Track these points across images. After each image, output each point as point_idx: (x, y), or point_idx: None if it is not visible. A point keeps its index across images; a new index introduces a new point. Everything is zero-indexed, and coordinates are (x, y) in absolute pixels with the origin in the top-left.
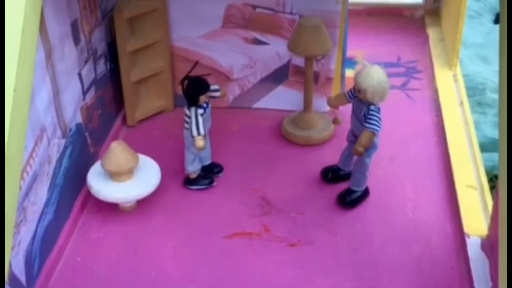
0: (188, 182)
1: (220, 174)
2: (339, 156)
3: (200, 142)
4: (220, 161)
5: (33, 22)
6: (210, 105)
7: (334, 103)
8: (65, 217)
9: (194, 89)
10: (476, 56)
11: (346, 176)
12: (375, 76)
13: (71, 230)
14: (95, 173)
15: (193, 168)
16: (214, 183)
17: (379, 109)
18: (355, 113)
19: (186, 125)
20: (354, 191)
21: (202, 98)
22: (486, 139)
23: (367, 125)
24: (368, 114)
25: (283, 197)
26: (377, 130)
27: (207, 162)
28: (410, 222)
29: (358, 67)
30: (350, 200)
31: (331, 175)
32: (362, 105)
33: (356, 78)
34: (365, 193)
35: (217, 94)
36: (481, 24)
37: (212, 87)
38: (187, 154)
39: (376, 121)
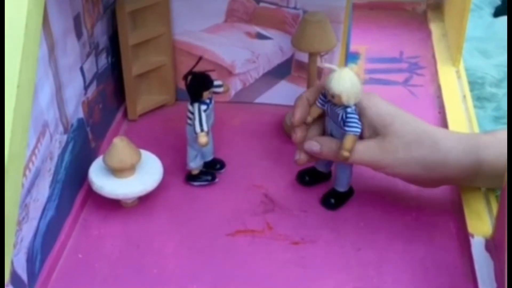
0: (190, 178)
1: (222, 170)
2: None
3: (203, 138)
4: (221, 156)
5: (36, 17)
6: (213, 101)
7: (312, 117)
8: (66, 213)
9: (198, 85)
10: (476, 50)
11: (324, 176)
12: (347, 78)
13: (72, 227)
14: (96, 169)
15: (195, 164)
16: (217, 179)
17: (355, 109)
18: (331, 117)
19: (189, 121)
20: (338, 192)
21: (206, 94)
22: None
23: (348, 129)
24: (347, 118)
25: (285, 194)
26: (359, 132)
27: (209, 158)
28: (413, 221)
29: (325, 71)
30: (335, 201)
31: (308, 178)
32: (338, 109)
33: (328, 84)
34: (350, 192)
35: (220, 89)
36: (481, 17)
37: (215, 82)
38: (190, 150)
39: (356, 123)
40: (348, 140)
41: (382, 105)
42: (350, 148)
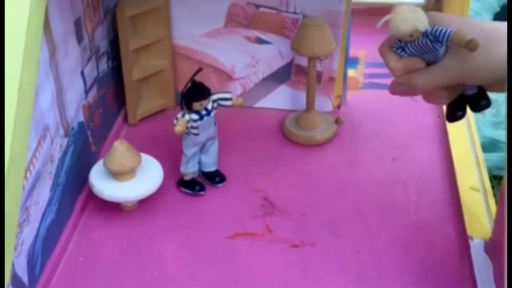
0: (180, 182)
1: (220, 185)
2: (341, 156)
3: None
4: (221, 160)
5: (38, 21)
6: (213, 114)
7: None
8: (67, 217)
9: (189, 95)
10: None
11: (472, 100)
12: (406, 11)
13: (73, 230)
14: (97, 172)
15: (185, 170)
16: (203, 193)
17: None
18: (421, 53)
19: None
20: (473, 94)
21: (196, 105)
22: (485, 139)
23: (446, 34)
24: (435, 33)
25: (285, 197)
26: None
27: (210, 169)
28: (413, 224)
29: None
30: (485, 101)
31: (460, 113)
32: (421, 41)
33: (398, 31)
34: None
35: (228, 103)
36: None
37: (223, 95)
38: (182, 155)
39: (443, 28)
40: (459, 33)
41: (445, 17)
42: (466, 34)
